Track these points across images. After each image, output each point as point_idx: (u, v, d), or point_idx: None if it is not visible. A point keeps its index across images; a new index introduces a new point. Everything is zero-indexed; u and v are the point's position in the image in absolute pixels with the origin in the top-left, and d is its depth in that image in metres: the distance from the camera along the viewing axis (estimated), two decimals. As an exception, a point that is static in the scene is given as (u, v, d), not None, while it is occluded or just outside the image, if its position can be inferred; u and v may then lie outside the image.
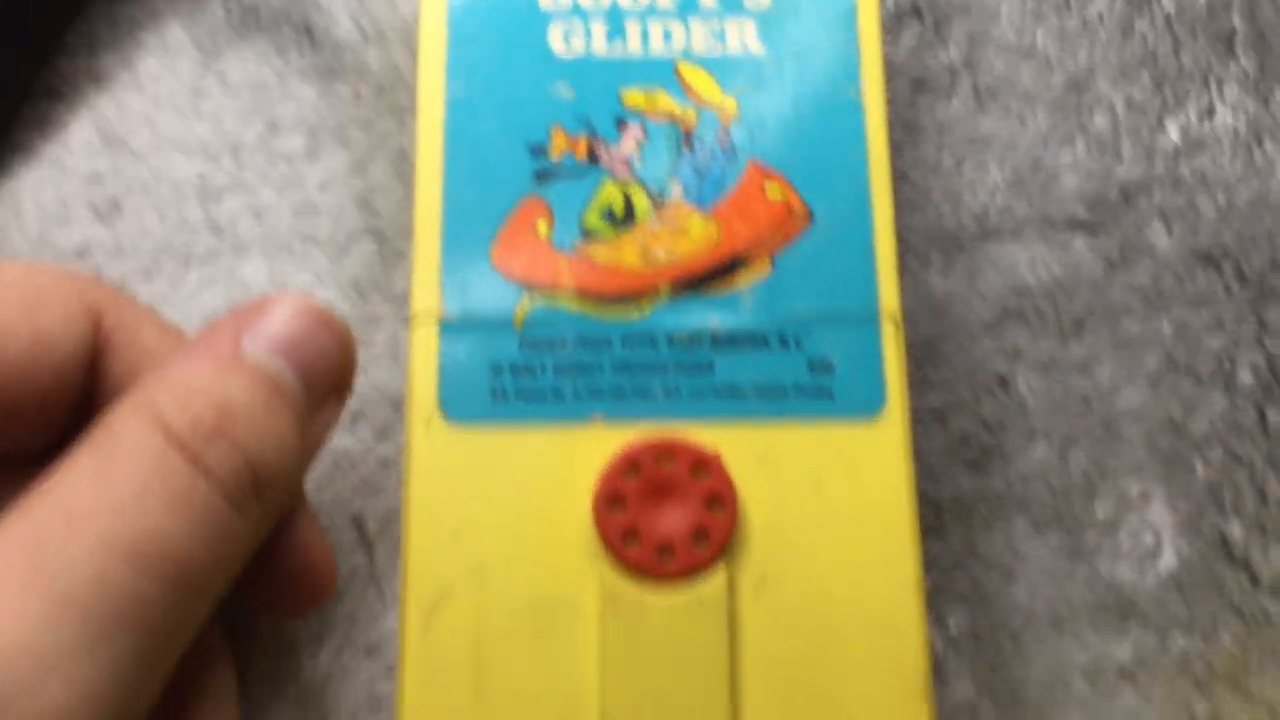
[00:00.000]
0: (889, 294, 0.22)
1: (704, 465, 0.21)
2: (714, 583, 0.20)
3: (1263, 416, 0.25)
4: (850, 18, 0.24)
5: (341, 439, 0.24)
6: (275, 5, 0.27)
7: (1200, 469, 0.25)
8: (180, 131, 0.26)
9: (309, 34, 0.27)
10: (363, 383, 0.24)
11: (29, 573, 0.16)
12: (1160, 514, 0.25)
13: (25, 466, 0.20)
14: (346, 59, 0.26)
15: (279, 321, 0.20)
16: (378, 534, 0.24)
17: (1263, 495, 0.25)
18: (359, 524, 0.24)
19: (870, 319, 0.22)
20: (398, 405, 0.24)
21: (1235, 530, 0.25)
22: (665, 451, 0.21)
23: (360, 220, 0.25)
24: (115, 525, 0.16)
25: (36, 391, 0.19)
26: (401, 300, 0.25)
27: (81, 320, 0.19)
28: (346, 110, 0.26)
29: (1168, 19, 0.28)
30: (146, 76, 0.26)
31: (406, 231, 0.25)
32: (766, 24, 0.23)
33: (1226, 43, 0.28)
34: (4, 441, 0.19)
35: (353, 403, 0.24)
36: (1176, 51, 0.28)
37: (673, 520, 0.21)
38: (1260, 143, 0.27)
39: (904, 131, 0.27)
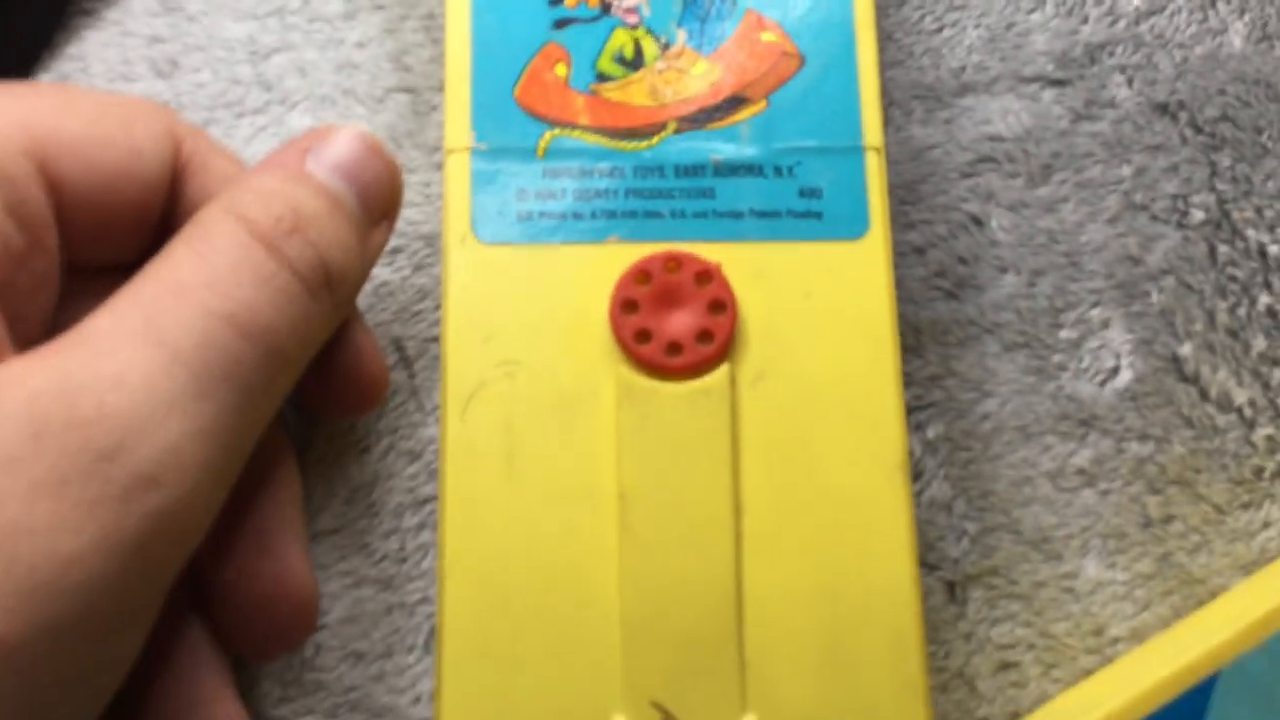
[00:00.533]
0: (872, 129, 0.25)
1: (707, 275, 0.23)
2: (717, 377, 0.23)
3: (1213, 250, 0.28)
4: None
5: (382, 271, 0.27)
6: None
7: (1155, 296, 0.28)
8: (230, -3, 0.28)
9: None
10: (400, 221, 0.27)
11: (145, 332, 0.18)
12: (1118, 336, 0.28)
13: (112, 277, 0.22)
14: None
15: (339, 147, 0.22)
16: (416, 354, 0.26)
17: (1211, 319, 0.28)
18: (399, 346, 0.26)
19: (855, 150, 0.25)
20: (431, 241, 0.27)
21: (1186, 350, 0.28)
22: (673, 262, 0.23)
23: (394, 76, 0.28)
24: (215, 297, 0.19)
25: (129, 201, 0.21)
26: (432, 149, 0.28)
27: (166, 142, 0.22)
28: (380, -23, 0.29)
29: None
30: (197, -52, 0.29)
31: (436, 87, 0.28)
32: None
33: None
34: (97, 250, 0.22)
35: (391, 239, 0.26)
36: (1140, -77, 0.30)
37: (680, 323, 0.23)
38: (1214, 4, 0.30)
39: (888, -5, 0.29)
